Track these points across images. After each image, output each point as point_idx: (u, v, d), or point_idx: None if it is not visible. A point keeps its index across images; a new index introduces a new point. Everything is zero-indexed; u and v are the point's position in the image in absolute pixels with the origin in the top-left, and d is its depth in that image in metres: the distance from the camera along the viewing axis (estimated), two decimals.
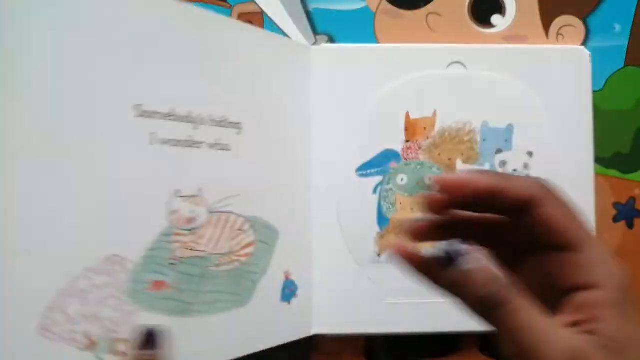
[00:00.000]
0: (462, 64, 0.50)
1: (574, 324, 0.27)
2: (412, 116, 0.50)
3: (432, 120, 0.50)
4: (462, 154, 0.50)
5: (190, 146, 0.40)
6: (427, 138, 0.50)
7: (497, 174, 0.29)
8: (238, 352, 0.43)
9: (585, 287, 0.27)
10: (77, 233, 0.35)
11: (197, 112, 0.40)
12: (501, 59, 0.51)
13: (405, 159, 0.50)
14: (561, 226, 0.28)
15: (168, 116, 0.38)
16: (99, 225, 0.36)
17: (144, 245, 0.38)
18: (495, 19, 0.53)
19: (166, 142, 0.38)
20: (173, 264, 0.39)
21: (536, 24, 0.53)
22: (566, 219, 0.28)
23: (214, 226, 0.41)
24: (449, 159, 0.50)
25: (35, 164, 0.33)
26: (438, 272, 0.29)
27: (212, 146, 0.41)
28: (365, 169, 0.50)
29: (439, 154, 0.50)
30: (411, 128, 0.50)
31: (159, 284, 0.38)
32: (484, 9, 0.53)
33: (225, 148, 0.42)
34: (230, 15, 0.52)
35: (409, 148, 0.50)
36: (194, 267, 0.40)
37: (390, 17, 0.53)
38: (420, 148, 0.50)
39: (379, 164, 0.50)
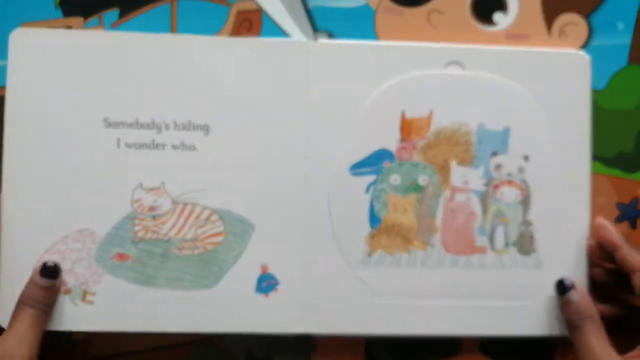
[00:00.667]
0: (460, 64, 0.49)
1: (633, 357, 0.44)
2: (408, 116, 0.49)
3: (428, 120, 0.49)
4: (457, 156, 0.49)
5: (153, 148, 0.48)
6: (422, 138, 0.49)
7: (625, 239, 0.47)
8: (201, 328, 0.49)
9: None
10: (60, 210, 0.48)
11: (159, 120, 0.48)
12: (500, 60, 0.49)
13: (400, 159, 0.49)
14: None
15: (132, 125, 0.48)
16: (76, 207, 0.48)
17: (110, 224, 0.48)
18: (498, 16, 0.52)
19: (130, 145, 0.48)
20: (135, 242, 0.48)
21: (538, 22, 0.52)
22: None
23: (178, 215, 0.48)
24: (444, 160, 0.49)
25: (35, 162, 0.48)
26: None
27: (176, 147, 0.48)
28: (358, 167, 0.49)
29: (434, 155, 0.49)
30: (406, 128, 0.49)
31: (121, 256, 0.48)
32: (486, 7, 0.52)
33: (190, 148, 0.48)
34: (228, 13, 0.51)
35: (404, 148, 0.49)
36: (156, 247, 0.48)
37: (391, 15, 0.52)
38: (414, 148, 0.49)
39: (373, 163, 0.49)
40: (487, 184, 0.49)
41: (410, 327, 0.49)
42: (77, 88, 0.48)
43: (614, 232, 0.48)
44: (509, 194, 0.49)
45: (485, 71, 0.49)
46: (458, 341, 0.52)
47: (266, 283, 0.49)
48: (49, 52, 0.48)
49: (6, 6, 0.51)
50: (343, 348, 0.52)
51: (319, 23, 0.52)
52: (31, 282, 0.46)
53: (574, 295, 0.47)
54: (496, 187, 0.49)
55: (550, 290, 0.49)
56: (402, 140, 0.49)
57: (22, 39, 0.48)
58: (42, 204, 0.48)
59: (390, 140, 0.49)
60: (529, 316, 0.49)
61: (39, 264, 0.47)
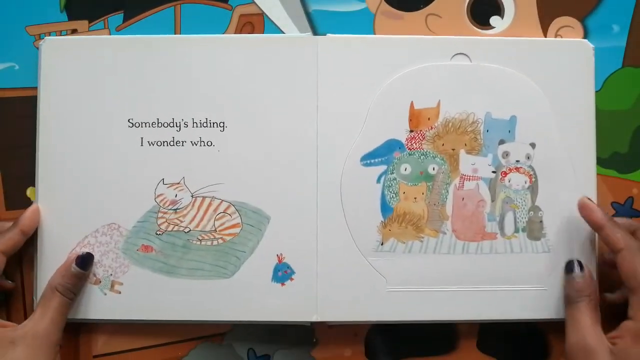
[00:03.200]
0: (466, 55, 0.48)
1: (615, 337, 0.43)
2: (417, 106, 0.48)
3: (436, 110, 0.48)
4: (466, 145, 0.48)
5: (174, 145, 0.48)
6: (431, 128, 0.48)
7: (610, 218, 0.45)
8: (220, 317, 0.49)
9: (630, 318, 0.43)
10: (90, 207, 0.48)
11: (179, 118, 0.49)
12: (505, 51, 0.48)
13: (409, 149, 0.48)
14: (629, 272, 0.43)
15: (154, 124, 0.49)
16: (103, 203, 0.49)
17: (135, 218, 0.49)
18: (494, 20, 0.51)
19: (153, 143, 0.49)
20: (159, 234, 0.49)
21: (534, 25, 0.51)
22: (633, 267, 0.43)
23: (197, 208, 0.49)
24: (452, 149, 0.48)
25: (66, 162, 0.49)
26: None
27: (195, 143, 0.49)
28: (369, 158, 0.48)
29: (443, 144, 0.48)
30: (415, 118, 0.48)
31: (146, 247, 0.49)
32: (482, 10, 0.51)
33: (208, 144, 0.49)
34: (230, 16, 0.51)
35: (413, 138, 0.48)
36: (178, 238, 0.49)
37: (389, 18, 0.51)
38: (424, 138, 0.48)
39: (383, 153, 0.48)
40: (495, 171, 0.48)
41: (423, 314, 0.48)
42: (103, 91, 0.49)
43: (597, 212, 0.46)
44: (517, 180, 0.48)
45: (491, 61, 0.48)
46: (455, 338, 0.50)
47: (282, 272, 0.48)
48: (76, 59, 0.49)
49: (11, 10, 0.51)
50: (343, 345, 0.50)
51: (319, 26, 0.51)
52: (64, 269, 0.47)
53: (577, 274, 0.46)
54: (504, 174, 0.48)
55: (560, 275, 0.48)
56: (411, 130, 0.49)
57: (52, 47, 0.49)
58: (74, 200, 0.48)
59: (400, 131, 0.48)
60: (540, 301, 0.48)
61: (74, 254, 0.48)
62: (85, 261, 0.47)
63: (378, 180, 0.48)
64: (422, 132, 0.48)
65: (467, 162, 0.48)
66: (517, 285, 0.48)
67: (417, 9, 0.52)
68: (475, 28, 0.51)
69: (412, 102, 0.48)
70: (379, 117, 0.48)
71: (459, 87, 0.48)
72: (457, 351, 0.51)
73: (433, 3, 0.51)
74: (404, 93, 0.48)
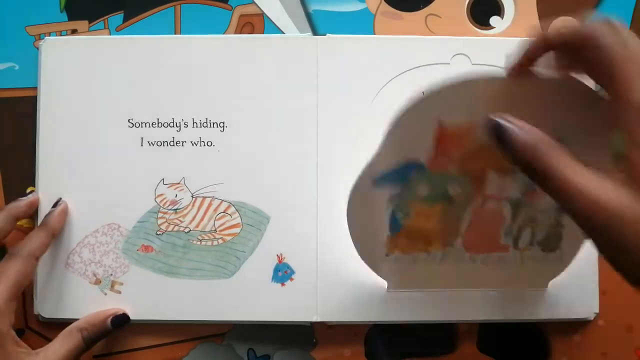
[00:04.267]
0: (466, 55, 0.47)
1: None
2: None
3: (466, 130, 0.39)
4: (494, 164, 0.40)
5: (174, 145, 0.48)
6: (459, 148, 0.39)
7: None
8: (220, 317, 0.48)
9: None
10: (90, 207, 0.48)
11: (179, 118, 0.48)
12: (506, 51, 0.47)
13: (429, 169, 0.40)
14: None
15: (154, 124, 0.48)
16: (104, 203, 0.48)
17: (135, 218, 0.48)
18: (494, 20, 0.51)
19: (153, 143, 0.48)
20: (159, 234, 0.48)
21: (534, 25, 0.50)
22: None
23: (197, 208, 0.48)
24: (482, 169, 0.41)
25: (66, 162, 0.48)
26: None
27: (195, 143, 0.48)
28: (383, 176, 0.41)
29: (469, 164, 0.41)
30: (442, 137, 0.39)
31: (146, 247, 0.48)
32: (482, 10, 0.50)
33: (208, 144, 0.48)
34: (230, 17, 0.51)
35: (435, 157, 0.40)
36: (178, 238, 0.48)
37: (389, 19, 0.50)
38: (448, 157, 0.40)
39: (399, 172, 0.40)
40: (523, 193, 0.42)
41: (423, 315, 0.47)
42: (103, 91, 0.48)
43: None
44: (545, 199, 0.42)
45: (491, 62, 0.46)
46: (455, 338, 0.50)
47: (282, 272, 0.47)
48: (76, 59, 0.48)
49: (11, 10, 0.50)
50: (343, 345, 0.50)
51: (319, 27, 0.50)
52: (97, 319, 0.46)
53: (514, 130, 0.32)
54: (532, 194, 0.42)
55: (567, 277, 0.46)
56: (435, 149, 0.40)
57: (52, 47, 0.48)
58: (74, 200, 0.48)
59: (420, 150, 0.40)
60: (540, 301, 0.47)
61: (113, 310, 0.47)
62: (120, 322, 0.47)
63: (389, 200, 0.42)
64: (447, 151, 0.40)
65: (494, 183, 0.42)
66: (517, 286, 0.47)
67: (417, 9, 0.51)
68: (475, 28, 0.51)
69: (439, 120, 0.39)
70: (397, 134, 0.39)
71: None
72: (456, 352, 0.50)
73: (433, 3, 0.51)
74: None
